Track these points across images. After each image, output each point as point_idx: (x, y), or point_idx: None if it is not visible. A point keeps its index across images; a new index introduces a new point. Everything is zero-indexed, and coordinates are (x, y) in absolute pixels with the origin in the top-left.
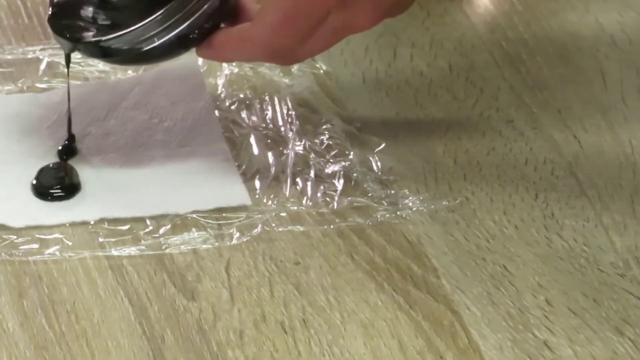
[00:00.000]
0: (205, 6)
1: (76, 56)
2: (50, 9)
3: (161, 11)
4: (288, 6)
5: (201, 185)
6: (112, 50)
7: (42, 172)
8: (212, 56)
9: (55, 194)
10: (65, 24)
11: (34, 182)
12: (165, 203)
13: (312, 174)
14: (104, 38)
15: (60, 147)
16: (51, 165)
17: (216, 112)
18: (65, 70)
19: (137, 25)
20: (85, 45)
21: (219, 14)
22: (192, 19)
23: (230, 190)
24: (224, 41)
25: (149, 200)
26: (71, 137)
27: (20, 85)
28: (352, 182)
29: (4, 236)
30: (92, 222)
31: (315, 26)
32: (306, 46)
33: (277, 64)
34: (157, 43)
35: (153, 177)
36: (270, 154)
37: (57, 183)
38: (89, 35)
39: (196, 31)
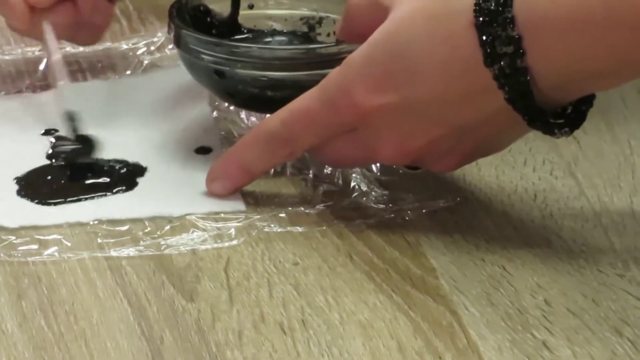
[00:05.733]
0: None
1: (73, 57)
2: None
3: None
4: (311, 100)
5: (195, 188)
6: (190, 49)
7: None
8: (226, 165)
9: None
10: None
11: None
12: (160, 205)
13: (311, 174)
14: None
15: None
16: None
17: (215, 112)
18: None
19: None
20: (180, 31)
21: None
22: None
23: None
24: (241, 141)
25: (143, 201)
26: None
27: (19, 85)
28: (351, 183)
29: (2, 237)
30: (90, 223)
31: (334, 132)
32: (329, 151)
33: (317, 159)
34: (244, 71)
35: (148, 178)
36: None
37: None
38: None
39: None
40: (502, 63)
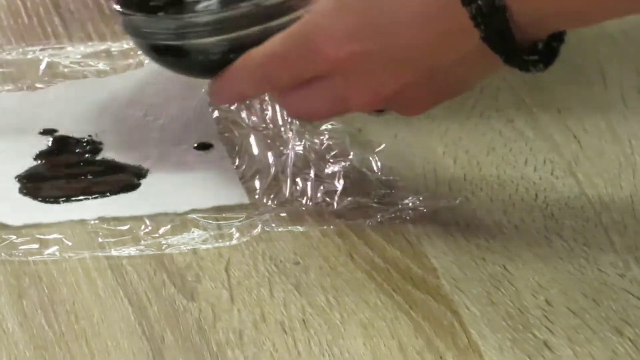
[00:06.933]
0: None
1: (76, 55)
2: None
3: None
4: (282, 46)
5: (198, 184)
6: (143, 32)
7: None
8: (221, 87)
9: None
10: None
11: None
12: (164, 202)
13: (312, 174)
14: (137, 15)
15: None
16: None
17: (216, 112)
18: (65, 70)
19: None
20: (128, 17)
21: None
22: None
23: (227, 189)
24: (233, 67)
25: (147, 199)
26: None
27: (20, 85)
28: (352, 182)
29: (3, 236)
30: (91, 222)
31: (300, 78)
32: (300, 101)
33: (283, 108)
34: (200, 40)
35: (150, 176)
36: (270, 154)
37: None
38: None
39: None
40: (479, 2)
